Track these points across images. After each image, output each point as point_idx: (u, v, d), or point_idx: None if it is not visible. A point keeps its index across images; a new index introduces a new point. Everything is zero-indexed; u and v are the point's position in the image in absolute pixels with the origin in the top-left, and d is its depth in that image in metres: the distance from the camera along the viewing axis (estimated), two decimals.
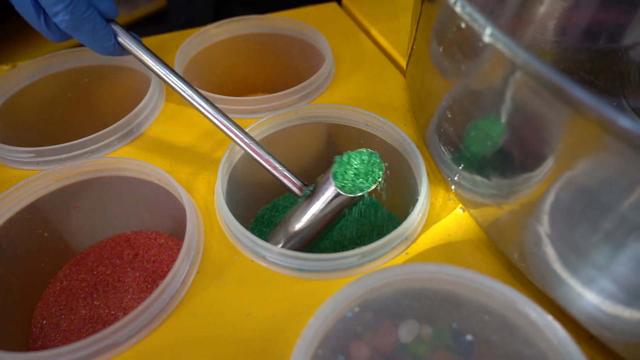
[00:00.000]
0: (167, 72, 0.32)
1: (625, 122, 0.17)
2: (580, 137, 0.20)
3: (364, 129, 0.37)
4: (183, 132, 0.39)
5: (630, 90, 0.40)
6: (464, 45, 0.25)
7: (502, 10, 0.54)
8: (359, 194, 0.29)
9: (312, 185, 0.32)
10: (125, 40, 0.33)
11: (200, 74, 0.48)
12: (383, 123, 0.36)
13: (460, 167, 0.29)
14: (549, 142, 0.22)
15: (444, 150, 0.31)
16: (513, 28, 0.53)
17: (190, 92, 0.32)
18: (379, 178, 0.30)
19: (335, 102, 0.41)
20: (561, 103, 0.19)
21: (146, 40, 0.51)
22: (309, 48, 0.47)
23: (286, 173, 0.31)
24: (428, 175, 0.33)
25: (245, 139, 0.31)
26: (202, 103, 0.32)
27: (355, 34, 0.51)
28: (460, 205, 0.32)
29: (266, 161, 0.31)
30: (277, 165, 0.31)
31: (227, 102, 0.39)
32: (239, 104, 0.39)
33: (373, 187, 0.30)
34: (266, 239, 0.36)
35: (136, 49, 0.33)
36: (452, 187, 0.31)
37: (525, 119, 0.23)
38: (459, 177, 0.30)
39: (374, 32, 0.51)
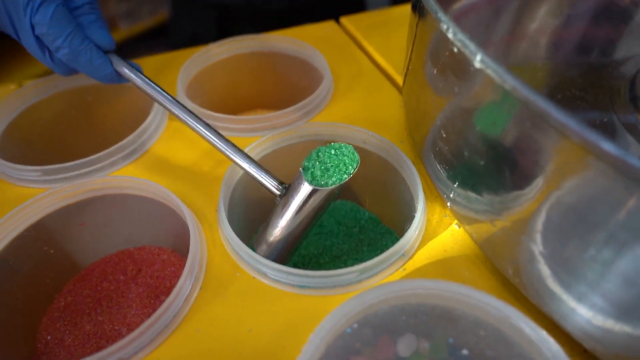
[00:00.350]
0: (161, 96, 0.34)
1: (607, 146, 0.18)
2: (567, 158, 0.21)
3: (362, 146, 0.38)
4: (186, 150, 0.40)
5: (620, 105, 0.41)
6: (456, 68, 0.26)
7: (496, 26, 0.56)
8: (330, 187, 0.29)
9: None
10: (121, 68, 0.35)
11: (202, 92, 0.49)
12: (380, 141, 0.37)
13: (455, 185, 0.30)
14: (538, 162, 0.23)
15: (439, 167, 0.32)
16: (507, 43, 0.54)
17: (181, 112, 0.34)
18: (351, 171, 0.30)
19: (334, 120, 0.42)
20: (548, 127, 0.20)
21: (149, 59, 0.52)
22: (307, 66, 0.49)
23: (263, 173, 0.32)
24: (424, 191, 0.33)
25: (226, 147, 0.33)
26: (193, 121, 0.34)
27: (352, 52, 0.52)
28: (456, 221, 0.33)
29: (244, 162, 0.32)
30: (254, 166, 0.32)
31: (229, 120, 0.40)
32: (241, 123, 0.41)
33: (345, 180, 0.29)
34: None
35: (132, 76, 0.35)
36: (448, 203, 0.32)
37: (514, 140, 0.24)
38: (454, 194, 0.31)
39: (371, 50, 0.52)
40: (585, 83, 0.46)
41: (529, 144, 0.23)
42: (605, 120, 0.40)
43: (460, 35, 0.24)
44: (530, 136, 0.22)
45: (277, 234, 0.32)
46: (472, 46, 0.23)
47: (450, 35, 0.25)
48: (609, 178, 0.20)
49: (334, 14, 0.66)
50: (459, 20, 0.52)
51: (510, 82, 0.21)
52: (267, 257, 0.32)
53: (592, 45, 0.52)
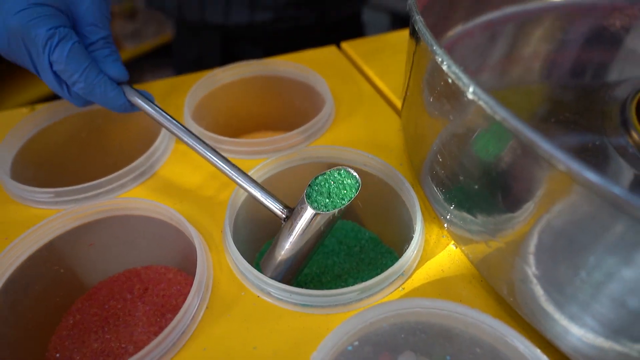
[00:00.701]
0: (171, 124, 0.36)
1: (590, 175, 0.19)
2: (555, 185, 0.22)
3: (363, 168, 0.39)
4: (192, 173, 0.41)
5: (611, 128, 0.43)
6: (451, 97, 0.28)
7: (493, 50, 0.58)
8: (332, 211, 0.31)
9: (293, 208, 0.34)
10: (134, 98, 0.37)
11: (208, 114, 0.51)
12: (380, 163, 0.38)
13: (451, 207, 0.31)
14: (528, 188, 0.24)
15: (436, 190, 0.33)
16: (502, 67, 0.56)
17: (190, 139, 0.36)
18: (352, 195, 0.31)
19: (336, 143, 0.44)
20: (537, 155, 0.22)
21: (158, 83, 0.54)
22: (310, 90, 0.50)
23: (268, 197, 0.34)
24: (423, 213, 0.35)
25: (234, 172, 0.34)
26: (202, 148, 0.35)
27: (353, 76, 0.54)
28: (453, 242, 0.34)
29: (250, 187, 0.34)
30: (260, 190, 0.34)
31: (234, 143, 0.42)
32: (246, 146, 0.42)
33: (346, 204, 0.31)
34: None
35: (144, 105, 0.37)
36: (445, 225, 0.33)
37: (506, 166, 0.25)
38: (450, 216, 0.32)
39: (371, 74, 0.54)
40: (578, 106, 0.48)
41: (520, 170, 0.24)
42: (598, 143, 0.42)
43: (454, 68, 0.26)
44: (520, 163, 0.24)
45: (284, 255, 0.33)
46: (465, 79, 0.25)
47: (444, 67, 0.27)
48: (595, 205, 0.21)
49: (334, 36, 0.69)
50: (455, 44, 0.54)
51: (500, 113, 0.23)
52: (275, 277, 0.33)
53: (585, 70, 0.54)
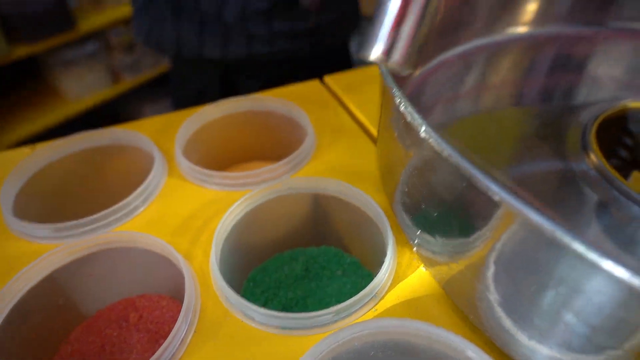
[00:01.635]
0: None
1: (525, 208, 0.22)
2: (499, 215, 0.25)
3: (341, 197, 0.42)
4: (182, 206, 0.44)
5: (574, 153, 0.46)
6: (410, 134, 0.31)
7: (466, 79, 0.61)
8: None
9: None
10: None
11: (200, 147, 0.54)
12: (356, 192, 0.41)
13: (418, 232, 0.34)
14: (476, 217, 0.27)
15: (405, 216, 0.36)
16: (476, 95, 0.60)
17: None
18: None
19: (317, 172, 0.47)
20: (477, 188, 0.25)
21: (154, 120, 0.57)
22: (293, 123, 0.54)
23: None
24: (396, 237, 0.37)
25: None
26: None
27: (334, 108, 0.57)
28: (422, 264, 0.37)
29: None
30: None
31: (223, 177, 0.45)
32: (234, 179, 0.45)
33: None
34: (256, 299, 0.40)
35: None
36: (414, 248, 0.36)
37: (455, 197, 0.28)
38: (418, 240, 0.35)
39: (351, 106, 0.57)
40: (545, 132, 0.51)
41: (467, 201, 0.27)
42: (561, 168, 0.45)
43: (409, 109, 0.29)
44: (466, 194, 0.27)
45: None
46: (418, 119, 0.28)
47: (402, 108, 0.30)
48: (535, 235, 0.24)
49: (323, 66, 0.72)
50: (432, 75, 0.58)
51: (446, 150, 0.26)
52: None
53: (552, 96, 0.58)
